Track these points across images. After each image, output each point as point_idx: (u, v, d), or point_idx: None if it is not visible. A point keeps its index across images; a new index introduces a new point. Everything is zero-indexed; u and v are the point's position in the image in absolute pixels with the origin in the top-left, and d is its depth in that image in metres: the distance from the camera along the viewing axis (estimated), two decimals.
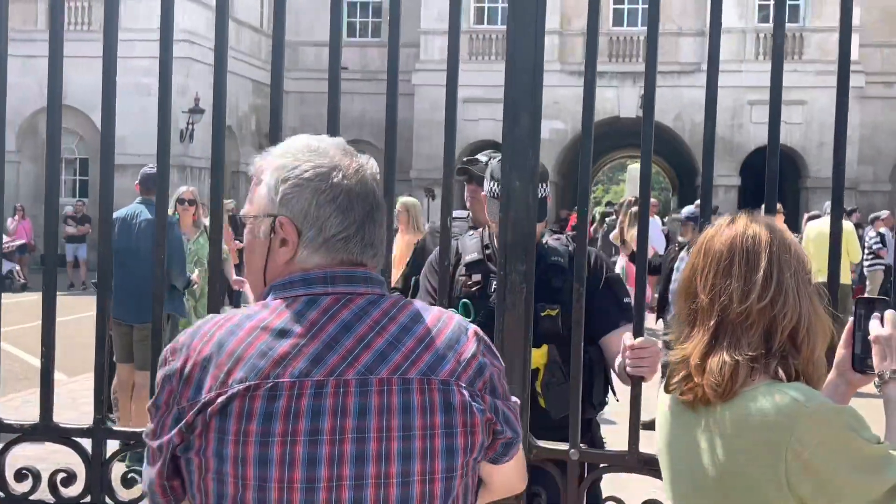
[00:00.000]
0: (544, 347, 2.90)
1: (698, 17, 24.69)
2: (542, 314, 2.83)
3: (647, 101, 2.37)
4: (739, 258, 1.75)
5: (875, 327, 1.90)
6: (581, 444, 2.44)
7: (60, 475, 2.62)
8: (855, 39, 23.27)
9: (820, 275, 2.11)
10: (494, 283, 2.96)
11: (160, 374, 1.46)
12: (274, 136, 2.43)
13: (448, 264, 3.03)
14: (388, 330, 1.48)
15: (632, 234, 10.98)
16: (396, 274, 8.88)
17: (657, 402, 1.92)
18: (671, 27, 25.54)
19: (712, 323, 1.74)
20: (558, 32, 25.66)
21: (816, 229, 11.52)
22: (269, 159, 1.59)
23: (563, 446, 2.46)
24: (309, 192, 1.50)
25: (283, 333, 1.42)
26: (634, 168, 27.78)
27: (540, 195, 2.91)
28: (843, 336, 1.93)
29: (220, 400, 1.36)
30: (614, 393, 3.06)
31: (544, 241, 3.02)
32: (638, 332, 2.44)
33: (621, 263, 10.69)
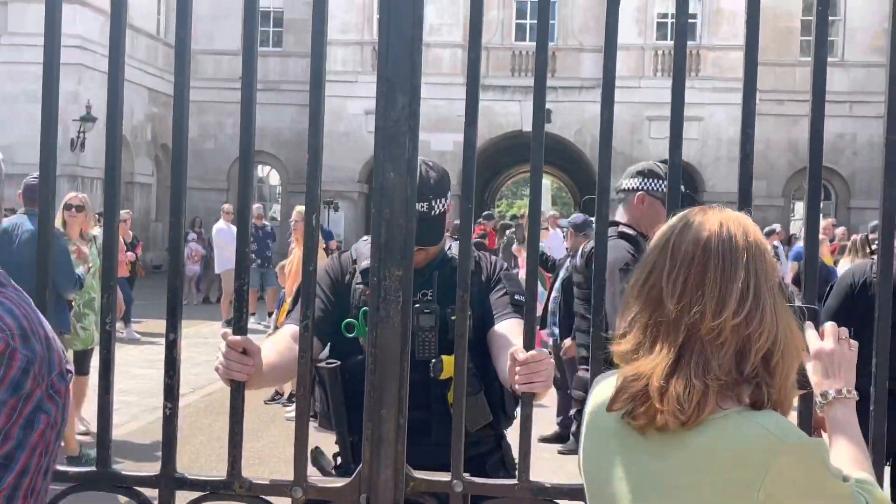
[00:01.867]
0: None
1: (600, 33, 24.93)
2: (454, 319, 2.59)
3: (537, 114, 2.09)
4: (714, 264, 1.49)
5: (814, 341, 1.70)
6: (465, 474, 2.15)
7: None
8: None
9: None
10: None
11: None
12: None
13: (345, 273, 2.78)
14: None
15: None
16: (291, 286, 8.52)
17: (585, 417, 1.67)
18: (573, 43, 25.78)
19: (680, 339, 1.48)
20: (461, 46, 25.61)
21: None
22: None
23: (445, 477, 2.15)
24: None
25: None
26: None
27: (436, 211, 2.68)
28: None
29: (69, 367, 1.46)
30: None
31: (447, 247, 2.83)
32: (528, 345, 2.18)
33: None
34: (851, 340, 1.76)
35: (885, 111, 2.09)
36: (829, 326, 1.76)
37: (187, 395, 9.70)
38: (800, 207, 26.66)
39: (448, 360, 2.56)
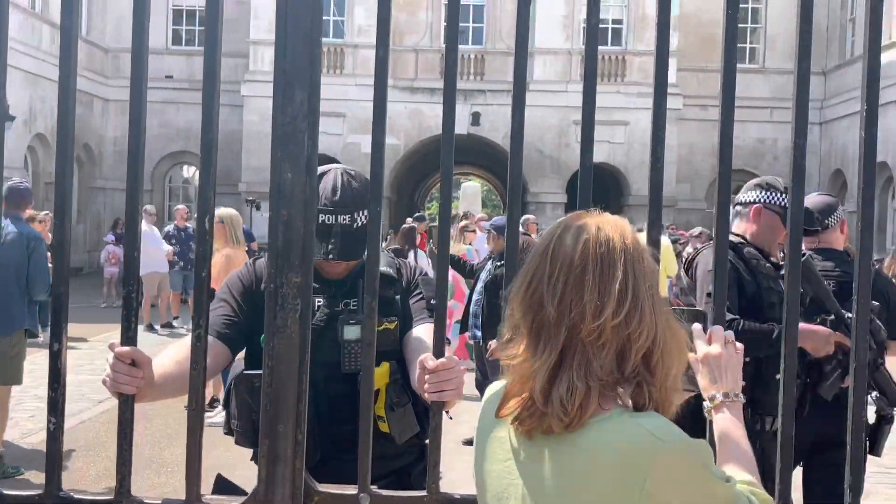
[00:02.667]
0: (385, 365, 2.59)
1: (529, 37, 25.07)
2: (380, 328, 2.50)
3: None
4: (593, 266, 1.50)
5: (701, 346, 1.70)
6: (372, 487, 2.06)
7: None
8: (673, 63, 24.26)
9: None
10: (318, 301, 2.63)
11: None
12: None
13: (260, 280, 2.68)
14: None
15: (456, 248, 10.82)
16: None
17: (477, 424, 1.66)
18: (501, 46, 25.88)
19: (561, 340, 1.48)
20: (392, 48, 25.45)
21: None
22: None
23: (351, 490, 2.06)
24: None
25: None
26: (468, 185, 27.99)
27: (359, 223, 2.59)
28: None
29: None
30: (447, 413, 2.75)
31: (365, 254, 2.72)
32: (438, 352, 2.10)
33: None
34: (738, 344, 1.79)
35: (792, 116, 2.09)
36: (716, 331, 1.78)
37: (105, 401, 9.41)
38: None
39: (377, 373, 2.49)
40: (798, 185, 2.04)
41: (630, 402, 1.49)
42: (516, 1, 2.10)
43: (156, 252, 14.95)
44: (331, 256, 2.60)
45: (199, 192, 2.00)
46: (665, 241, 12.66)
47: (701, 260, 3.83)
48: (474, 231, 13.40)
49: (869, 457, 3.54)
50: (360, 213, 2.63)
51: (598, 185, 22.60)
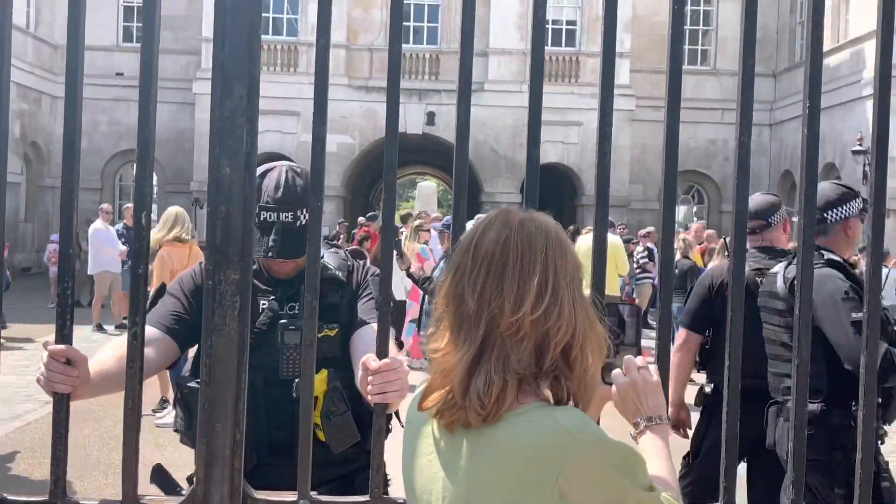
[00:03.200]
0: (323, 372, 2.56)
1: (481, 38, 25.12)
2: (319, 335, 2.47)
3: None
4: (513, 261, 1.51)
5: (617, 379, 1.72)
6: (312, 493, 2.02)
7: None
8: (626, 65, 24.44)
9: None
10: (262, 304, 2.59)
11: None
12: None
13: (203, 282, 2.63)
14: None
15: (411, 247, 10.78)
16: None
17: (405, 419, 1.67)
18: (456, 46, 25.86)
19: (480, 334, 1.49)
20: (345, 47, 25.38)
21: (587, 243, 11.77)
22: None
23: (290, 496, 2.01)
24: None
25: None
26: (424, 185, 27.96)
27: (302, 221, 2.56)
28: None
29: None
30: (398, 417, 2.71)
31: None
32: (382, 352, 2.07)
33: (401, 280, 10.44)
34: (650, 366, 1.76)
35: (737, 114, 2.09)
36: (626, 361, 1.74)
37: (51, 402, 9.23)
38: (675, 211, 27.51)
39: (316, 379, 2.45)
40: (742, 183, 2.05)
41: (550, 396, 1.49)
42: None
43: (111, 251, 14.72)
44: (271, 254, 2.57)
45: (136, 189, 1.96)
46: (617, 239, 12.74)
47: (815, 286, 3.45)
48: (429, 230, 13.38)
49: None
50: (304, 210, 2.60)
51: (552, 186, 22.67)
